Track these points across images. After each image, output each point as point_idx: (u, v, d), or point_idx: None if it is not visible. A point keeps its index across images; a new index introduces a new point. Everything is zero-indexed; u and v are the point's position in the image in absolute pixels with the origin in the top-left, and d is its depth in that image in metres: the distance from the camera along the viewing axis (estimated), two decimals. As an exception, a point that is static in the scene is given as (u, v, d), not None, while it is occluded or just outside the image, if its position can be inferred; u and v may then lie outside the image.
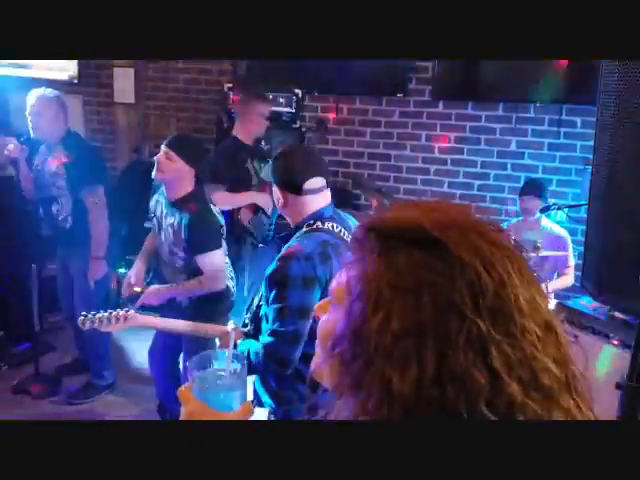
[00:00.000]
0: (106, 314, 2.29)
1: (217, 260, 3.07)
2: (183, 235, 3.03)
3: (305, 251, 2.14)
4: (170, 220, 3.09)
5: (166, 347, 3.41)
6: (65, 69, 6.03)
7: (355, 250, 0.77)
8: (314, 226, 2.23)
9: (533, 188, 4.17)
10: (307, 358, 2.12)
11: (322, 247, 2.19)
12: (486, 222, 0.75)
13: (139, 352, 4.37)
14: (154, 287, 3.11)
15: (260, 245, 4.10)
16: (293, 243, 2.18)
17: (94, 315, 2.25)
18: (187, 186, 3.09)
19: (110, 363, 4.19)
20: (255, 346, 2.20)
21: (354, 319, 0.71)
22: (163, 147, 3.08)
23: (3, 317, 4.53)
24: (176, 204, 3.09)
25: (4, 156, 3.87)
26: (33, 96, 3.83)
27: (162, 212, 3.16)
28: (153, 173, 3.07)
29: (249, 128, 4.09)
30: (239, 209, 4.00)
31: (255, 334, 2.32)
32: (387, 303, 0.68)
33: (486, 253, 0.69)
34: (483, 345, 0.66)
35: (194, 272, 3.09)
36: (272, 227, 4.15)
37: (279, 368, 2.16)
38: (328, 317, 0.82)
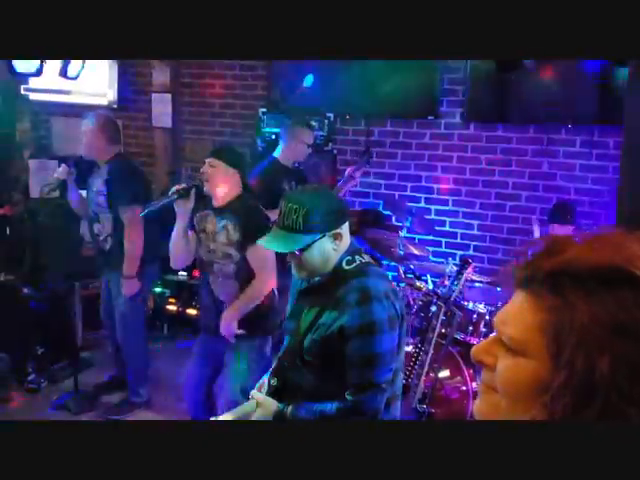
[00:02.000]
0: None
1: (266, 251, 2.98)
2: (238, 231, 3.09)
3: (383, 289, 2.00)
4: (222, 223, 3.14)
5: (202, 379, 3.42)
6: (104, 95, 6.23)
7: (543, 294, 0.74)
8: (357, 262, 2.07)
9: (562, 215, 4.10)
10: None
11: (389, 282, 2.09)
12: None
13: (174, 370, 4.45)
14: (223, 318, 3.13)
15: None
16: (364, 284, 1.99)
17: None
18: (234, 190, 3.19)
19: (146, 381, 4.28)
20: (329, 407, 1.99)
21: (577, 368, 0.69)
22: (206, 160, 3.19)
23: (44, 334, 4.66)
24: (227, 208, 3.16)
25: (54, 178, 4.01)
26: (84, 120, 3.99)
27: (213, 222, 3.20)
28: (204, 188, 3.15)
29: (291, 152, 4.28)
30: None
31: (283, 387, 2.14)
32: (611, 347, 0.68)
33: None
34: None
35: (244, 275, 3.14)
36: None
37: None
38: (516, 365, 0.76)
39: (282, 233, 2.06)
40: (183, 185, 3.16)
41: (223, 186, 3.18)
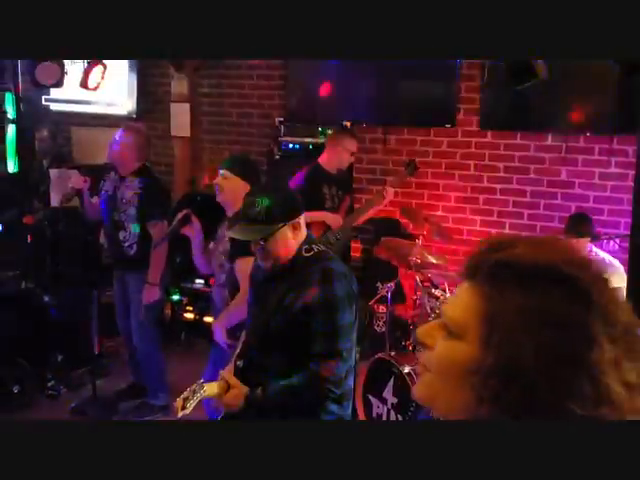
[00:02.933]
0: (187, 394, 2.27)
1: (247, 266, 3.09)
2: (228, 242, 3.18)
3: (341, 270, 2.23)
4: (225, 233, 3.22)
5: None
6: (123, 104, 6.30)
7: (484, 284, 0.80)
8: (315, 250, 2.28)
9: (577, 227, 4.07)
10: None
11: (344, 265, 2.32)
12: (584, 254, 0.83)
13: (192, 377, 4.47)
14: (213, 324, 3.24)
15: None
16: (325, 266, 2.21)
17: (184, 402, 2.23)
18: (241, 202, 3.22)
19: (165, 385, 4.31)
20: (296, 380, 2.17)
21: (503, 352, 0.75)
22: (219, 171, 3.24)
23: (63, 341, 4.70)
24: (232, 219, 3.21)
25: (69, 188, 4.09)
26: (118, 130, 4.13)
27: (221, 231, 3.32)
28: (217, 197, 3.23)
29: (334, 159, 4.41)
30: (310, 228, 4.24)
31: (249, 368, 2.29)
32: (537, 336, 0.74)
33: (604, 288, 0.78)
34: (618, 367, 0.75)
35: (232, 286, 3.20)
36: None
37: (335, 389, 2.17)
38: (451, 347, 0.82)
39: (246, 225, 2.27)
40: (182, 213, 3.31)
41: (236, 199, 3.15)
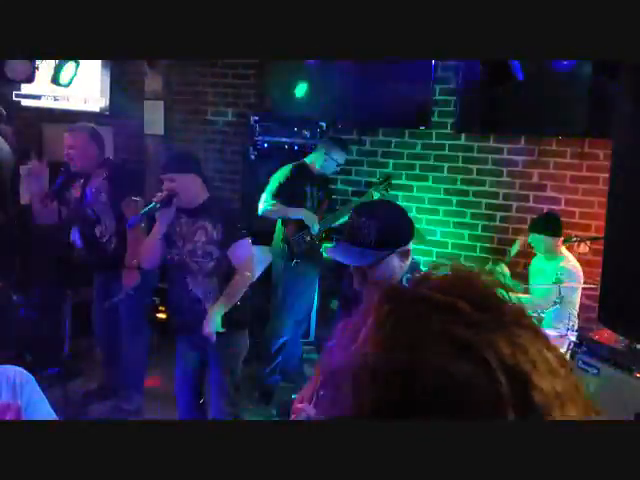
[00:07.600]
0: None
1: (247, 248, 3.26)
2: (218, 230, 3.17)
3: None
4: (199, 224, 3.21)
5: (189, 379, 3.45)
6: (96, 101, 6.22)
7: None
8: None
9: (537, 226, 4.20)
10: None
11: None
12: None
13: (166, 376, 4.43)
14: (210, 312, 3.16)
15: (297, 261, 4.36)
16: None
17: None
18: (202, 193, 3.25)
19: (141, 389, 4.25)
20: None
21: None
22: (162, 177, 3.21)
23: (33, 341, 4.62)
24: (201, 209, 3.22)
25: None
26: (68, 131, 3.98)
27: (187, 224, 3.25)
28: (174, 201, 3.19)
29: (320, 164, 4.46)
30: (287, 224, 4.24)
31: None
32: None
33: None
34: None
35: (223, 272, 3.21)
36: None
37: None
38: None
39: (351, 247, 2.03)
40: (165, 193, 3.17)
41: (191, 194, 3.21)
